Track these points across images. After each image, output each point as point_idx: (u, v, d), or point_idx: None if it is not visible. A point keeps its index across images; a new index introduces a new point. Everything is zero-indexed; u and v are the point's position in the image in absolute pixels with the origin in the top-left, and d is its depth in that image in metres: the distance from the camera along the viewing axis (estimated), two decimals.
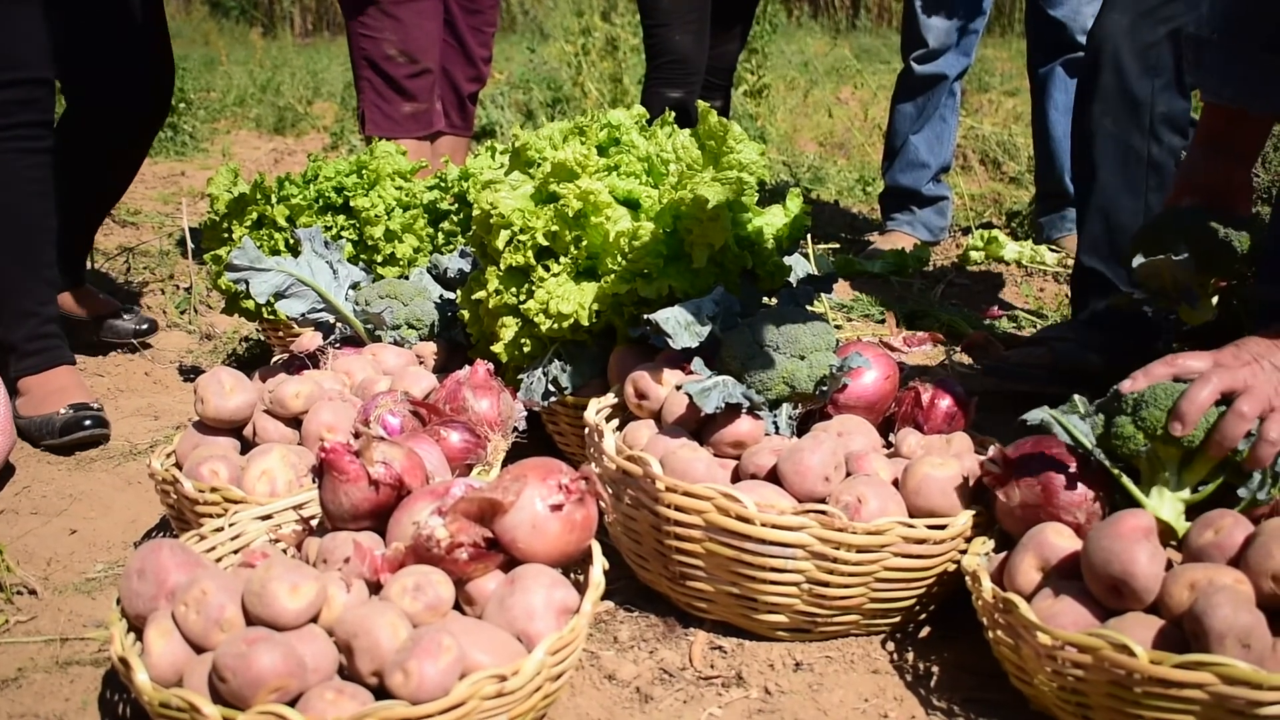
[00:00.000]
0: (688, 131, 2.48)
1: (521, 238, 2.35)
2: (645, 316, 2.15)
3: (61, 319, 2.86)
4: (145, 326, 3.38)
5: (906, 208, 4.43)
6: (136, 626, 1.58)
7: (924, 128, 4.31)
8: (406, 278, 2.85)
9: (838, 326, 3.41)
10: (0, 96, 2.58)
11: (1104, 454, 1.75)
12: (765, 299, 2.36)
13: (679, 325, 2.10)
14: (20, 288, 2.72)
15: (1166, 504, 1.72)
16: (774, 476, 1.90)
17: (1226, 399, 1.69)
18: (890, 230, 4.44)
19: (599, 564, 1.66)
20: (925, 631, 1.89)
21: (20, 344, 2.73)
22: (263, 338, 3.33)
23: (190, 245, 4.01)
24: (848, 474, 1.90)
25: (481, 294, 2.41)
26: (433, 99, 3.79)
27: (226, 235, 3.08)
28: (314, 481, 1.79)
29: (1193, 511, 1.73)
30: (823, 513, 1.75)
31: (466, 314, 2.50)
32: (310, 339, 2.45)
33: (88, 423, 2.67)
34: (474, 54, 4.02)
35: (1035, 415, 1.78)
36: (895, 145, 4.38)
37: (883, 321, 3.55)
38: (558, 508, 1.62)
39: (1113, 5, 2.67)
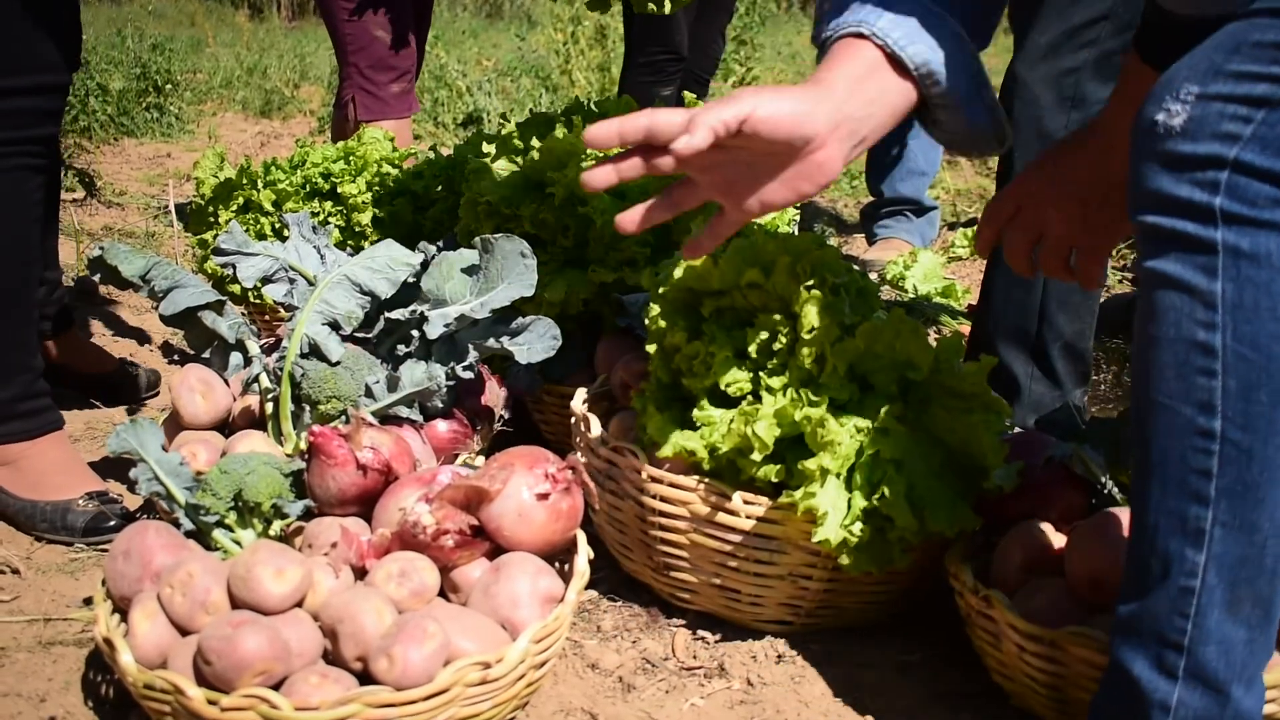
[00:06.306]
0: None
1: (508, 226, 2.35)
2: (616, 296, 2.15)
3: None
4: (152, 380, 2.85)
5: (902, 213, 4.27)
6: (121, 608, 1.59)
7: (921, 132, 4.22)
8: None
9: None
10: (22, 103, 2.08)
11: (1114, 485, 1.77)
12: None
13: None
14: (14, 337, 2.18)
15: None
16: None
17: None
18: (888, 237, 4.25)
19: (584, 553, 1.67)
20: (907, 625, 1.90)
21: (8, 404, 2.17)
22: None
23: (176, 227, 3.99)
24: None
25: None
26: (413, 78, 3.75)
27: (212, 219, 3.07)
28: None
29: None
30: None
31: None
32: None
33: (113, 524, 2.14)
34: (426, 7, 3.85)
35: (1062, 449, 1.80)
36: (892, 153, 4.18)
37: None
38: (544, 496, 1.62)
39: (1032, 26, 2.27)
